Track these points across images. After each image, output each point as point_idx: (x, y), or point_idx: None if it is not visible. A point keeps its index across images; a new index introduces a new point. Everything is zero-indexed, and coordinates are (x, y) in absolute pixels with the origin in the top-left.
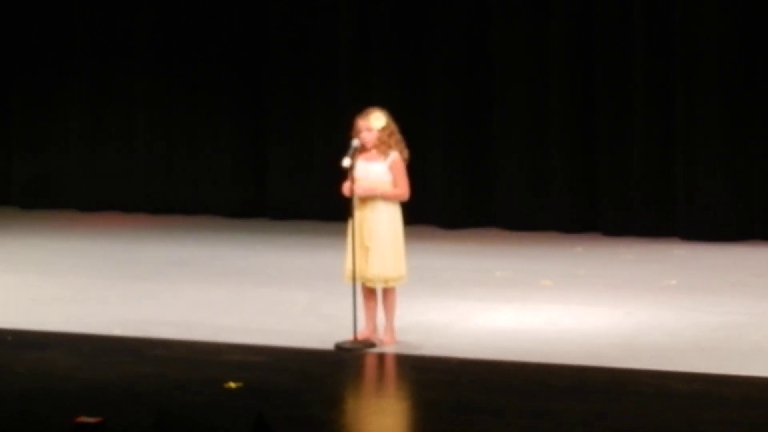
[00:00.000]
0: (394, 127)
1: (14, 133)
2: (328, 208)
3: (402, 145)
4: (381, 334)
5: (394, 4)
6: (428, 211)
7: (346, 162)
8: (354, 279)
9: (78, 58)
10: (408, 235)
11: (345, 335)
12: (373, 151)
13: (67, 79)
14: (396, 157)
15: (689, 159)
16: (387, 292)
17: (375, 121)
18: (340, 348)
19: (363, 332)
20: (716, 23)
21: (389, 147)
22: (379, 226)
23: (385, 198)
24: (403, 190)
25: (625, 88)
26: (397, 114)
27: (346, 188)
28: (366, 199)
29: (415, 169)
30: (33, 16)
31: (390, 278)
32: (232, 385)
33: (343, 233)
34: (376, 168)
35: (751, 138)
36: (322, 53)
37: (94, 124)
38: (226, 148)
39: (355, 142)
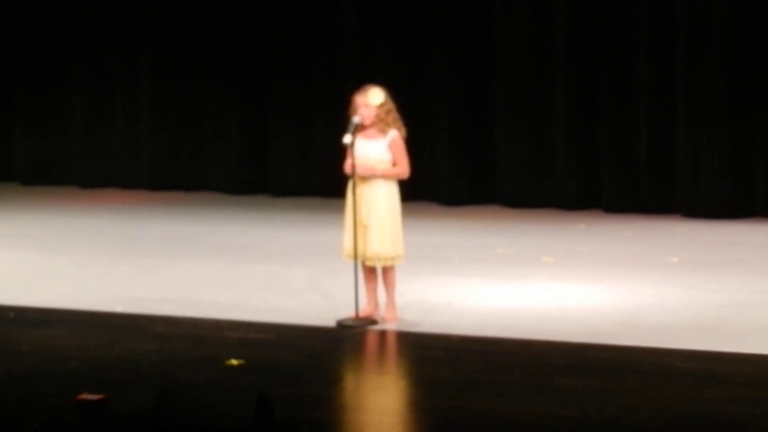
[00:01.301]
0: (392, 104)
1: (17, 108)
2: (330, 184)
3: (400, 122)
4: (382, 311)
5: None
6: (429, 188)
7: (346, 139)
8: (355, 257)
9: (82, 38)
10: (409, 212)
11: (346, 312)
12: (372, 130)
13: (71, 57)
14: (395, 135)
15: (691, 136)
16: (386, 270)
17: (373, 97)
18: (341, 325)
19: (364, 309)
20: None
21: (387, 125)
22: (377, 204)
23: (387, 177)
24: (404, 169)
25: (627, 67)
26: (398, 88)
27: (347, 166)
28: (365, 177)
29: (416, 146)
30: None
31: (388, 257)
32: (234, 362)
33: (344, 210)
34: (376, 146)
35: (752, 115)
36: (326, 30)
37: (97, 101)
38: (229, 124)
39: (356, 119)
